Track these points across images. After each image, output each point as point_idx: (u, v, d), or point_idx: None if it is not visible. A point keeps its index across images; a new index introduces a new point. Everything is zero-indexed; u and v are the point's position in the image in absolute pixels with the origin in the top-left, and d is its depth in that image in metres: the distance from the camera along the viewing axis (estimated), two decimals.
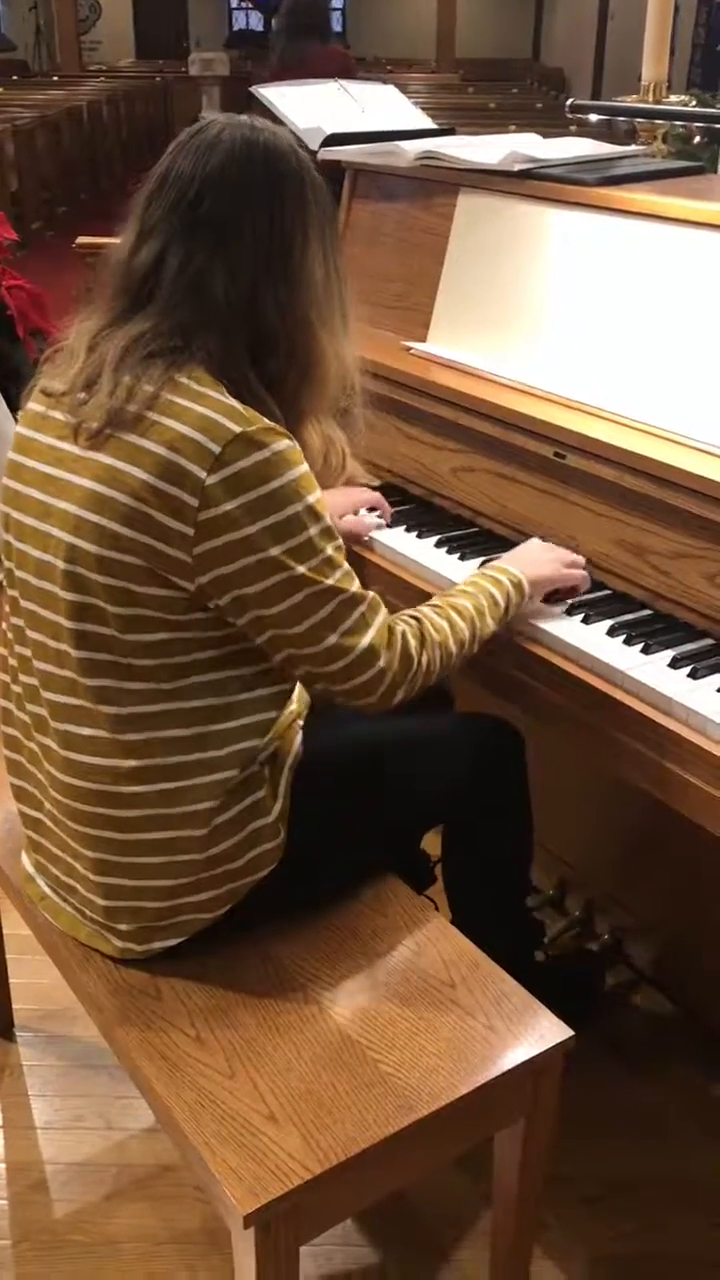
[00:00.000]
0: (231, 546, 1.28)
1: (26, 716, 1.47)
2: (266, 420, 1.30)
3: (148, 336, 1.32)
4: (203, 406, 1.28)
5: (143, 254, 1.34)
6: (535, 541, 1.72)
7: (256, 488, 1.27)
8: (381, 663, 1.39)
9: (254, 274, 1.34)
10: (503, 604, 1.57)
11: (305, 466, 1.32)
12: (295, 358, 1.38)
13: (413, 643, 1.43)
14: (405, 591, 1.82)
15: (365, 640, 1.38)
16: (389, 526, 1.95)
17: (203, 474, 1.26)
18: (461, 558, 1.84)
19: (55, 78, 14.02)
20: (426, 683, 1.46)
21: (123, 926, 1.44)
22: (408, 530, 1.93)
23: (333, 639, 1.35)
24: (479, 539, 1.90)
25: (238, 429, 1.27)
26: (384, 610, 1.41)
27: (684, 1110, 1.90)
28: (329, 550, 1.34)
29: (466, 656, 1.52)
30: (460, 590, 1.57)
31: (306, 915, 1.52)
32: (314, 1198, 1.22)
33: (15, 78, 13.91)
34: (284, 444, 1.30)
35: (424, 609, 1.50)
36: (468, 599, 1.54)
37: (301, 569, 1.31)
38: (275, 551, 1.29)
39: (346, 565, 1.37)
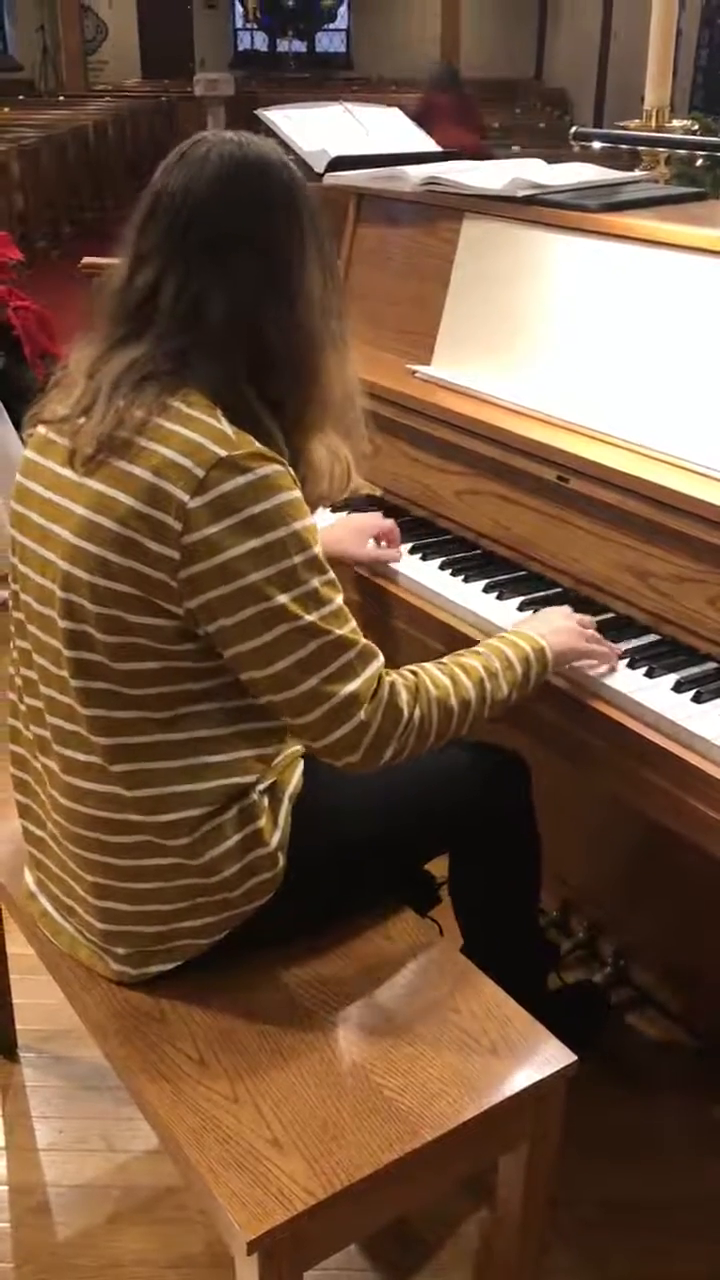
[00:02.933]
0: (213, 572, 1.25)
1: (33, 736, 1.47)
2: (256, 444, 1.28)
3: (143, 362, 1.31)
4: (189, 430, 1.27)
5: (138, 280, 1.33)
6: (557, 610, 1.62)
7: (239, 511, 1.24)
8: (363, 715, 1.30)
9: (252, 294, 1.32)
10: (519, 669, 1.47)
11: (296, 492, 1.29)
12: (298, 375, 1.35)
13: (404, 695, 1.34)
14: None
15: (348, 689, 1.29)
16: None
17: (186, 497, 1.24)
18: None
19: (61, 97, 14.11)
20: (422, 745, 1.38)
21: (120, 950, 1.44)
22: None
23: (311, 683, 1.28)
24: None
25: (223, 452, 1.25)
26: (379, 660, 1.34)
27: (688, 1133, 1.89)
28: (315, 583, 1.28)
29: (476, 719, 1.43)
30: (472, 650, 1.49)
31: (310, 938, 1.52)
32: (318, 1223, 1.22)
33: (22, 97, 14.02)
34: (271, 468, 1.27)
35: (426, 665, 1.43)
36: (478, 659, 1.46)
37: (282, 599, 1.26)
38: (255, 578, 1.25)
39: (338, 603, 1.31)
